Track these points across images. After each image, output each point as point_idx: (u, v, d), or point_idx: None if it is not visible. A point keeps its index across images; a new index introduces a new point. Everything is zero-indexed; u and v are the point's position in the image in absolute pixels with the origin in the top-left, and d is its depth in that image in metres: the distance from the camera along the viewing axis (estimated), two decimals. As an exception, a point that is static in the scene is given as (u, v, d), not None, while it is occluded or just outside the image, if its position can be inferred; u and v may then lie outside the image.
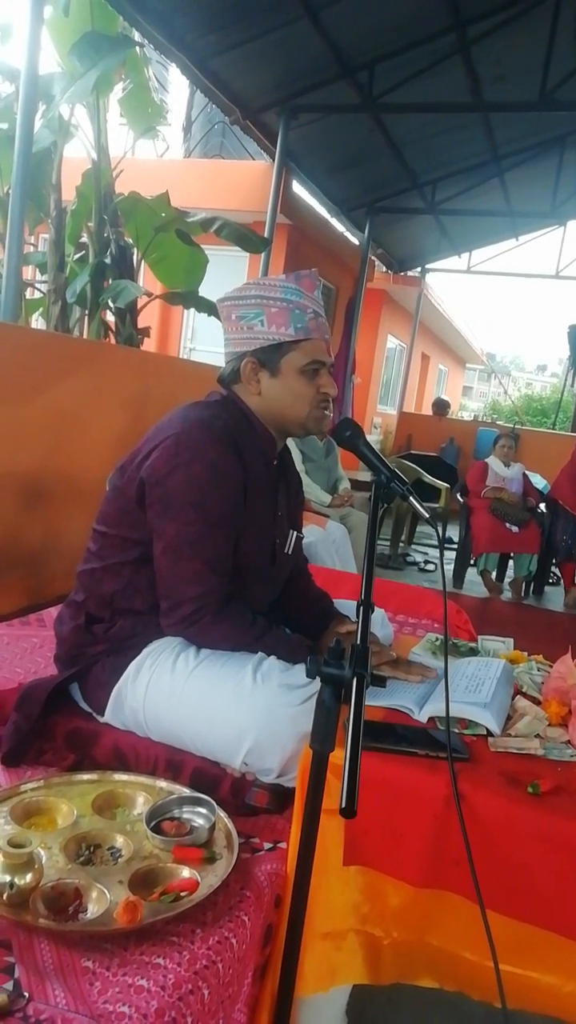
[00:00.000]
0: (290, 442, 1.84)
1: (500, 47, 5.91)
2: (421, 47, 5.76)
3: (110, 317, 5.00)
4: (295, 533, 1.77)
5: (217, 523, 1.48)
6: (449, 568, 5.53)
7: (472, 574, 5.39)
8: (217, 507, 1.48)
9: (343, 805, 0.83)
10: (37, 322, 5.18)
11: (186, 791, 1.37)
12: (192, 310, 5.24)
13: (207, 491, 1.46)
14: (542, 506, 5.40)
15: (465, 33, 5.69)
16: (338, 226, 9.36)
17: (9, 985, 0.97)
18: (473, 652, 1.82)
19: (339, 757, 0.93)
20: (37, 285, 5.11)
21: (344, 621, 1.72)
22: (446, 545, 6.21)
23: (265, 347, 1.54)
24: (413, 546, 6.66)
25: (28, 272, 5.35)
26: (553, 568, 5.48)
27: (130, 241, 4.91)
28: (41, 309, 4.90)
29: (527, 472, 5.54)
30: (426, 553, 6.49)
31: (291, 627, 1.73)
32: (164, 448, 1.48)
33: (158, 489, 1.48)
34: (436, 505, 6.12)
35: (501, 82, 6.37)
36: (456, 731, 1.33)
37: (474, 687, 1.45)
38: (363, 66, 5.92)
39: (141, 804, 1.35)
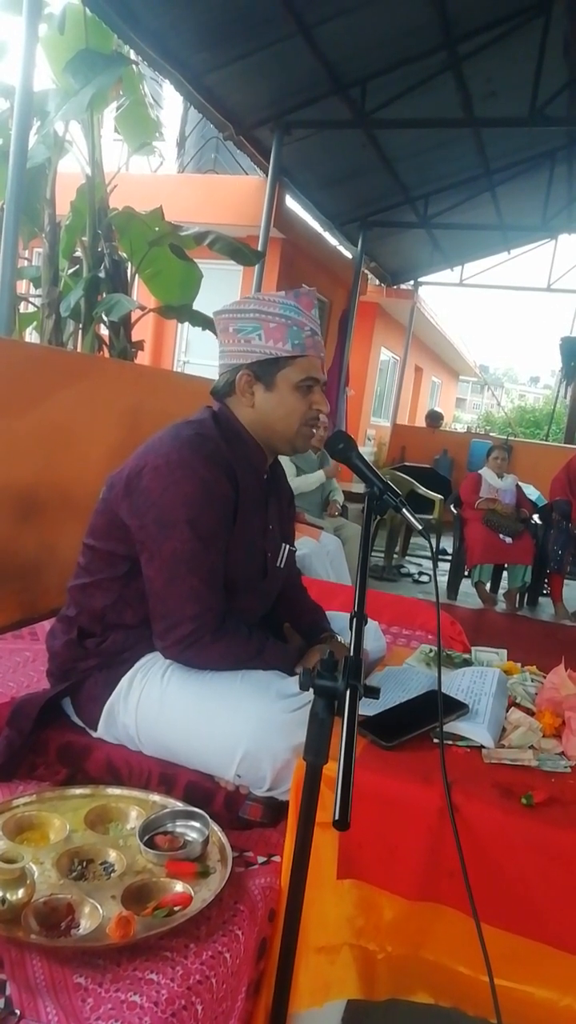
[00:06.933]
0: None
1: (491, 64, 5.99)
2: (413, 64, 5.83)
3: (104, 331, 5.02)
4: (287, 546, 1.76)
5: (210, 540, 1.47)
6: (443, 579, 5.53)
7: (466, 585, 5.39)
8: (210, 524, 1.47)
9: (336, 817, 0.83)
10: (31, 336, 5.19)
11: (179, 805, 1.36)
12: (186, 324, 5.26)
13: (200, 509, 1.46)
14: (536, 517, 5.41)
15: (456, 50, 5.76)
16: (331, 240, 9.41)
17: (0, 1002, 0.96)
18: (467, 663, 1.82)
19: (333, 770, 0.93)
20: (31, 299, 5.11)
21: (332, 639, 1.71)
22: (440, 556, 6.22)
23: (261, 360, 1.54)
24: (407, 558, 6.66)
25: (22, 286, 5.35)
26: (546, 580, 5.49)
27: (124, 255, 4.93)
28: (35, 323, 4.91)
29: (520, 483, 5.56)
30: (420, 565, 6.49)
31: (281, 638, 1.73)
32: (156, 469, 1.48)
33: (154, 510, 1.46)
34: (430, 517, 6.13)
35: (492, 98, 6.45)
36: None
37: (470, 703, 1.45)
38: (356, 82, 5.97)
39: (134, 818, 1.34)
